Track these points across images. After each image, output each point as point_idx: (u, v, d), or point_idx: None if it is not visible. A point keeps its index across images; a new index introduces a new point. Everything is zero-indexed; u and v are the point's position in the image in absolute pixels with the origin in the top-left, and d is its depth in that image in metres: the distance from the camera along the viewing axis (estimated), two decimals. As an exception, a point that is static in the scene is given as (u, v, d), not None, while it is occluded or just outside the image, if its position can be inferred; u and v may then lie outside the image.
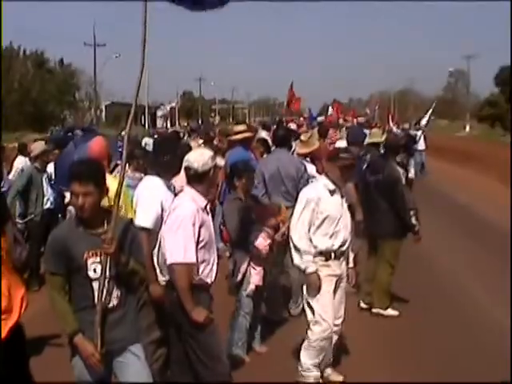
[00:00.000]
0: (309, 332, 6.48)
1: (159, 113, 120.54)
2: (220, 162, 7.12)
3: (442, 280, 10.97)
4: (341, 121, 27.65)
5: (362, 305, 9.35)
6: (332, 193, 6.47)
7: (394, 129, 27.55)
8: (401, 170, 9.09)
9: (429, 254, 12.51)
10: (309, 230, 6.38)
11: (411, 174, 23.62)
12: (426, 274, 11.19)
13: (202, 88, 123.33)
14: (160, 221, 5.90)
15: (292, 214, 6.68)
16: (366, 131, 24.18)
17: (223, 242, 8.12)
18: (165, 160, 6.31)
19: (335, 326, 6.52)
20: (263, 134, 17.56)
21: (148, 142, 21.40)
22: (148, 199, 6.09)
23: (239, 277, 7.11)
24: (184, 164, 5.63)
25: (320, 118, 28.02)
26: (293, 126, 19.21)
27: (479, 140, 52.62)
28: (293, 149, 10.66)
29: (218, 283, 5.95)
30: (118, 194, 4.81)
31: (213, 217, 8.84)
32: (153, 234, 5.90)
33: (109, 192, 4.97)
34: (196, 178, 5.51)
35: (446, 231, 15.21)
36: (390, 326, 8.69)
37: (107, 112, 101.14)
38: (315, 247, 6.39)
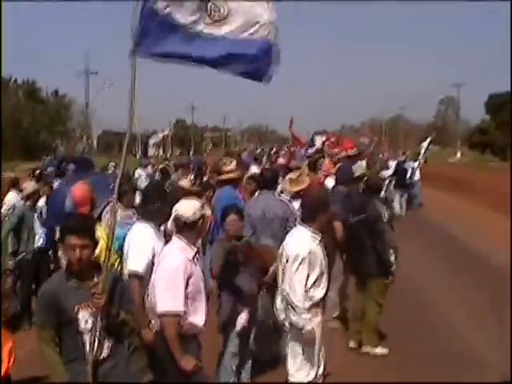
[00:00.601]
0: (291, 379, 6.55)
1: (151, 141, 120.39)
2: (208, 211, 7.23)
3: (430, 314, 11.00)
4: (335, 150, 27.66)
5: (351, 344, 9.35)
6: (319, 243, 6.57)
7: (390, 162, 26.98)
8: (384, 207, 9.13)
9: (418, 286, 12.65)
10: (305, 285, 6.44)
11: (397, 209, 23.69)
12: (414, 308, 11.22)
13: (195, 116, 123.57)
14: (151, 266, 6.01)
15: (281, 254, 6.77)
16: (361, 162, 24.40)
17: (213, 279, 8.19)
18: (154, 207, 6.43)
19: (318, 373, 6.59)
20: (254, 168, 17.64)
21: (140, 174, 21.45)
22: (139, 246, 6.21)
23: (226, 318, 7.17)
24: (173, 214, 5.76)
25: (311, 150, 27.86)
26: (282, 160, 19.24)
27: (470, 167, 52.81)
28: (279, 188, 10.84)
29: (210, 319, 6.05)
30: (107, 248, 4.93)
31: (204, 253, 9.02)
32: (144, 279, 6.00)
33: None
34: (185, 228, 5.64)
35: (436, 263, 15.29)
36: (379, 364, 8.73)
37: (99, 141, 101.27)
38: (311, 299, 6.46)
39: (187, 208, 5.66)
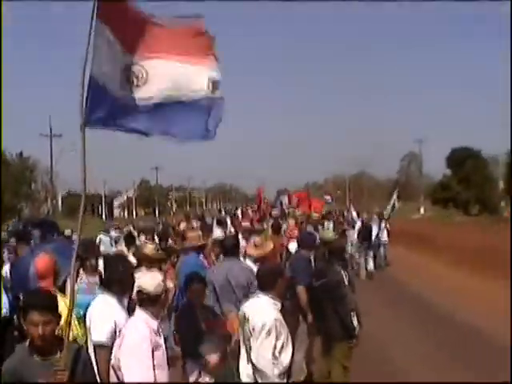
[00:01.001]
0: None
1: (116, 202, 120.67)
2: (170, 284, 7.28)
3: (397, 373, 11.01)
4: (298, 211, 27.56)
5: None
6: (280, 309, 6.64)
7: (358, 221, 27.57)
8: (344, 273, 9.23)
9: (383, 346, 12.69)
10: (273, 353, 6.48)
11: (370, 266, 23.90)
12: (380, 368, 11.23)
13: (159, 176, 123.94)
14: (114, 336, 6.03)
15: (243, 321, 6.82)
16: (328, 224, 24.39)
17: (177, 345, 8.18)
18: (116, 279, 6.45)
19: None
20: (218, 232, 17.70)
21: (103, 240, 21.32)
22: (101, 317, 6.21)
23: (191, 385, 7.15)
24: (136, 287, 5.81)
25: (275, 211, 27.81)
26: (245, 223, 19.28)
27: (434, 222, 53.39)
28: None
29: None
30: (67, 322, 4.95)
31: (169, 319, 9.01)
32: (107, 349, 6.00)
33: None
34: (148, 301, 5.69)
35: (401, 322, 15.30)
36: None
37: (64, 203, 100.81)
38: (280, 365, 6.50)
39: (150, 282, 5.73)
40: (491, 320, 14.41)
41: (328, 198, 33.63)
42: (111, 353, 5.89)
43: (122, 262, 6.95)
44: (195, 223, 22.22)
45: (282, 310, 6.83)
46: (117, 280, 6.45)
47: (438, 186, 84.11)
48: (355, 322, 8.93)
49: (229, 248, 9.42)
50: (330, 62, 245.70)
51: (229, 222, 25.28)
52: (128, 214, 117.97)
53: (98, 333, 6.14)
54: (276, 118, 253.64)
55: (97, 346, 6.02)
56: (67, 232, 21.38)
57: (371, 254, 24.73)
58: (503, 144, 71.25)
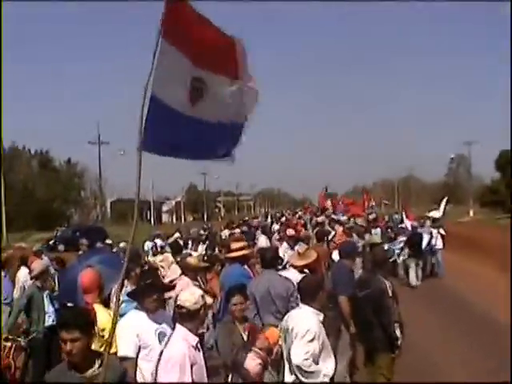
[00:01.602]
0: None
1: (164, 208, 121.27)
2: (209, 299, 7.38)
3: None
4: (344, 217, 27.39)
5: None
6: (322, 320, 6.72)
7: (408, 225, 26.22)
8: (388, 282, 9.19)
9: (425, 356, 12.58)
10: (315, 360, 6.54)
11: (412, 279, 22.36)
12: (421, 378, 11.15)
13: (207, 181, 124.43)
14: (138, 349, 6.35)
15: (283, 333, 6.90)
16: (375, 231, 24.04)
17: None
18: (141, 291, 6.61)
19: None
20: (262, 240, 17.75)
21: (150, 246, 21.58)
22: (125, 330, 6.44)
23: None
24: (177, 303, 5.92)
25: (320, 218, 27.65)
26: (291, 231, 19.20)
27: (482, 226, 52.67)
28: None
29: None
30: (110, 335, 5.07)
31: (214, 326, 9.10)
32: (131, 361, 6.30)
33: (98, 326, 5.26)
34: (187, 317, 5.79)
35: (447, 330, 15.13)
36: None
37: (112, 209, 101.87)
38: (324, 373, 6.58)
39: (189, 298, 5.83)
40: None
41: (372, 204, 32.76)
42: (135, 365, 6.08)
43: (154, 278, 7.06)
44: (238, 230, 22.31)
45: (325, 320, 6.89)
46: (143, 293, 6.61)
47: (486, 189, 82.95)
48: (398, 333, 8.91)
49: (268, 260, 9.53)
50: (374, 61, 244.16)
51: (276, 227, 25.31)
52: (176, 219, 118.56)
53: (122, 346, 6.38)
54: (323, 121, 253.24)
55: (122, 359, 6.16)
56: (108, 241, 21.69)
57: (420, 262, 23.11)
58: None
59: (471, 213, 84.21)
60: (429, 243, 23.90)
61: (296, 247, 13.04)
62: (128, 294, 7.09)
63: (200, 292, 6.07)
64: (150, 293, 6.58)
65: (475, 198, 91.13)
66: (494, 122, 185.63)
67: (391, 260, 22.03)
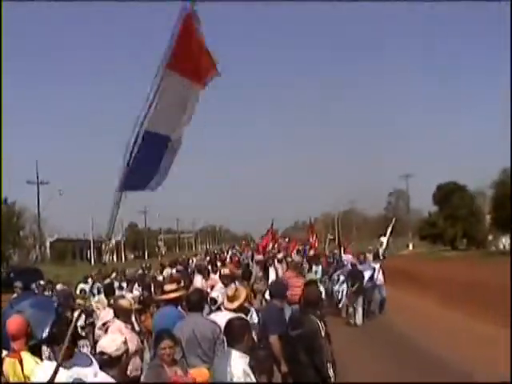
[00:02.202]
0: None
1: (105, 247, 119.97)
2: (132, 346, 7.31)
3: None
4: (280, 255, 27.20)
5: None
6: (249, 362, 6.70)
7: (346, 261, 25.42)
8: (321, 323, 9.21)
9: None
10: None
11: (358, 319, 21.43)
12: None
13: (147, 219, 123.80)
14: None
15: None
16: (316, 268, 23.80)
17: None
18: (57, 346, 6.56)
19: None
20: (199, 280, 17.69)
21: (84, 288, 21.29)
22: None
23: None
24: (98, 349, 5.86)
25: (258, 256, 27.50)
26: (226, 270, 19.05)
27: (421, 258, 53.42)
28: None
29: None
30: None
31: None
32: None
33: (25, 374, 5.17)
34: (109, 363, 5.72)
35: (381, 365, 14.90)
36: None
37: (52, 248, 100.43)
38: None
39: (110, 344, 5.78)
40: (480, 364, 13.95)
41: (312, 239, 32.11)
42: None
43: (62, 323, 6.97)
44: (172, 270, 22.24)
45: (256, 360, 6.88)
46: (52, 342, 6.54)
47: (425, 222, 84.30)
48: (331, 373, 8.92)
49: (194, 303, 9.52)
50: (314, 99, 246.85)
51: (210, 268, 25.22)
52: (117, 258, 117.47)
53: None
54: (263, 157, 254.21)
55: None
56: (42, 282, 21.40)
57: (360, 299, 21.86)
58: (488, 176, 71.58)
59: (411, 246, 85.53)
60: (371, 278, 22.96)
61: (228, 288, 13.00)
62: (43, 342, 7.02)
63: (122, 338, 6.02)
64: (56, 342, 6.51)
65: (414, 231, 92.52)
66: (430, 155, 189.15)
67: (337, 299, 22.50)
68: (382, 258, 24.92)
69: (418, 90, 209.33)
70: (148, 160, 5.29)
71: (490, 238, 77.91)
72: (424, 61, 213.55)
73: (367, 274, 22.84)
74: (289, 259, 24.87)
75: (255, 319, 10.78)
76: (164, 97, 5.15)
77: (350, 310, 21.91)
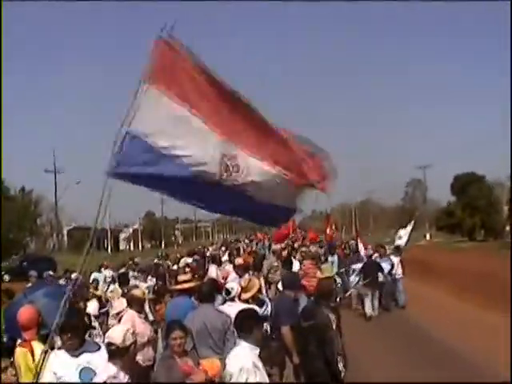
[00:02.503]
0: None
1: (122, 236, 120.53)
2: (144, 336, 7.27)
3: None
4: (296, 245, 27.09)
5: None
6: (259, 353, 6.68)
7: (362, 253, 24.96)
8: (333, 315, 9.20)
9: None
10: None
11: (368, 309, 20.63)
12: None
13: (164, 208, 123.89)
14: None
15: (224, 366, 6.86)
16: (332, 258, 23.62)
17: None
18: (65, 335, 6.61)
19: None
20: (213, 270, 17.66)
21: (96, 277, 21.31)
22: (44, 370, 6.32)
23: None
24: (106, 340, 5.87)
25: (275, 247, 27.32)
26: (239, 260, 18.92)
27: (438, 249, 53.14)
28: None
29: None
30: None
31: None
32: None
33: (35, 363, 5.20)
34: (117, 354, 5.73)
35: (394, 357, 14.79)
36: None
37: (69, 237, 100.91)
38: None
39: (118, 335, 5.78)
40: (492, 355, 13.93)
41: (330, 230, 31.47)
42: None
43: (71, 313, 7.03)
44: (188, 260, 22.22)
45: (268, 351, 6.87)
46: (60, 331, 6.57)
47: (442, 212, 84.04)
48: (341, 367, 8.91)
49: (204, 294, 9.59)
50: (330, 87, 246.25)
51: (225, 257, 25.12)
52: (134, 247, 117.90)
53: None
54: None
55: None
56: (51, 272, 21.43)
57: (377, 292, 21.32)
58: (506, 167, 71.16)
59: (428, 236, 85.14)
60: (389, 272, 22.28)
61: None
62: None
63: (130, 329, 6.01)
64: (65, 332, 6.55)
65: (432, 222, 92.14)
66: (449, 145, 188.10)
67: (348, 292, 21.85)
68: (400, 251, 24.32)
69: (435, 81, 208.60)
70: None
71: (508, 228, 77.49)
72: (445, 50, 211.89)
73: (386, 268, 22.08)
74: (303, 249, 24.79)
75: (269, 311, 10.80)
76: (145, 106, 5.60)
77: (366, 301, 20.99)
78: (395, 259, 23.07)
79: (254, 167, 5.97)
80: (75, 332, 6.64)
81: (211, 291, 9.75)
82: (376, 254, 23.50)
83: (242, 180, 5.92)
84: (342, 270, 23.35)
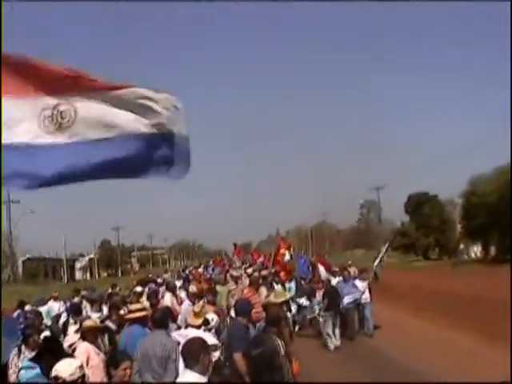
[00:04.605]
0: None
1: (78, 265, 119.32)
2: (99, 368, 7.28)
3: None
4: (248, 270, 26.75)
5: None
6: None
7: (323, 275, 23.33)
8: (280, 341, 9.21)
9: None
10: None
11: (330, 343, 19.22)
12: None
13: (120, 236, 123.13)
14: None
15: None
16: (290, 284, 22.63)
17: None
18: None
19: None
20: (167, 297, 17.57)
21: (52, 308, 20.99)
22: None
23: None
24: (53, 373, 5.82)
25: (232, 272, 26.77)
26: (193, 287, 18.77)
27: (393, 269, 53.54)
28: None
29: None
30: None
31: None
32: None
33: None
34: (64, 388, 5.70)
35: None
36: None
37: (24, 267, 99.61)
38: None
39: (65, 368, 5.74)
40: (442, 370, 14.17)
41: (283, 251, 30.05)
42: None
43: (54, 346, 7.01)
44: (141, 289, 22.04)
45: (221, 379, 6.87)
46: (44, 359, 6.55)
47: (396, 234, 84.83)
48: None
49: (157, 320, 9.68)
50: (283, 112, 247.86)
51: (178, 284, 24.95)
52: (90, 276, 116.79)
53: None
54: (236, 170, 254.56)
55: None
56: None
57: (338, 319, 19.71)
58: (459, 186, 72.44)
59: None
60: (353, 298, 20.57)
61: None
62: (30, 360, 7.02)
63: (78, 363, 5.98)
64: (49, 359, 6.51)
65: (386, 242, 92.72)
66: (402, 165, 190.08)
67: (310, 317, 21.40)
68: (374, 276, 23.37)
69: (386, 103, 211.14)
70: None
71: (462, 246, 78.54)
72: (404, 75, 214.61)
73: (348, 293, 20.53)
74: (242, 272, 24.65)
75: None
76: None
77: (327, 329, 19.50)
78: (360, 284, 21.52)
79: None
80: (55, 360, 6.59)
81: (163, 318, 9.83)
82: (339, 278, 22.15)
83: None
84: (300, 295, 22.51)
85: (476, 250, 77.29)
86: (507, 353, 14.61)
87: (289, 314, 19.02)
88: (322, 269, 24.88)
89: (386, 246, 27.17)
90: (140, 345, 9.16)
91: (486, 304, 22.90)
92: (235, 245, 54.21)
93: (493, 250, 66.79)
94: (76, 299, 21.43)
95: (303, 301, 21.51)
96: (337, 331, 19.61)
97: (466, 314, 21.28)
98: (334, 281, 21.71)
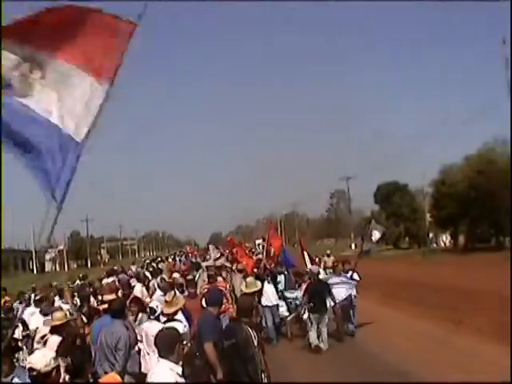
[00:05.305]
0: None
1: (47, 256, 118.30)
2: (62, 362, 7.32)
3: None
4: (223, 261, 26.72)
5: None
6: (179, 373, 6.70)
7: (308, 266, 21.20)
8: (253, 332, 9.22)
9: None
10: None
11: (314, 340, 16.67)
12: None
13: (90, 227, 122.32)
14: None
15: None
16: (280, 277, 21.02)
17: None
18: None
19: None
20: (138, 288, 17.58)
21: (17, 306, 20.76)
22: None
23: None
24: (27, 365, 5.83)
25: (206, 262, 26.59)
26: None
27: (364, 258, 53.70)
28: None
29: None
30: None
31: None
32: None
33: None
34: (38, 379, 5.69)
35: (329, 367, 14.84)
36: None
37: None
38: None
39: (40, 360, 5.74)
40: (416, 361, 14.08)
41: (259, 241, 28.72)
42: None
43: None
44: (111, 279, 21.83)
45: (192, 369, 6.90)
46: None
47: (365, 222, 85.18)
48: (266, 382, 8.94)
49: (115, 310, 9.85)
50: (256, 100, 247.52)
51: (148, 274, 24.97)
52: (60, 267, 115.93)
53: None
54: (206, 162, 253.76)
55: None
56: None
57: (324, 317, 16.97)
58: (427, 175, 72.66)
59: (353, 246, 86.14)
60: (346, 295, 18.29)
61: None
62: None
63: (52, 354, 5.98)
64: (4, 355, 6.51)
65: (356, 232, 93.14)
66: (370, 156, 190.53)
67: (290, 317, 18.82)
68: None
69: (357, 91, 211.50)
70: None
71: (431, 235, 79.07)
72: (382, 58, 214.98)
73: (344, 288, 18.24)
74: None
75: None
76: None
77: (311, 331, 16.98)
78: (356, 276, 19.32)
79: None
80: (6, 358, 6.58)
81: (121, 308, 10.02)
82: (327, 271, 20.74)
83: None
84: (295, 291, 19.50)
85: (445, 240, 78.06)
86: (474, 340, 14.82)
87: (282, 310, 18.77)
88: (307, 259, 22.79)
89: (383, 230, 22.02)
90: (100, 335, 9.39)
91: (456, 292, 23.17)
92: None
93: (461, 239, 67.50)
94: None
95: (297, 294, 18.96)
96: (324, 331, 17.07)
97: (436, 303, 21.41)
98: (323, 274, 20.26)
